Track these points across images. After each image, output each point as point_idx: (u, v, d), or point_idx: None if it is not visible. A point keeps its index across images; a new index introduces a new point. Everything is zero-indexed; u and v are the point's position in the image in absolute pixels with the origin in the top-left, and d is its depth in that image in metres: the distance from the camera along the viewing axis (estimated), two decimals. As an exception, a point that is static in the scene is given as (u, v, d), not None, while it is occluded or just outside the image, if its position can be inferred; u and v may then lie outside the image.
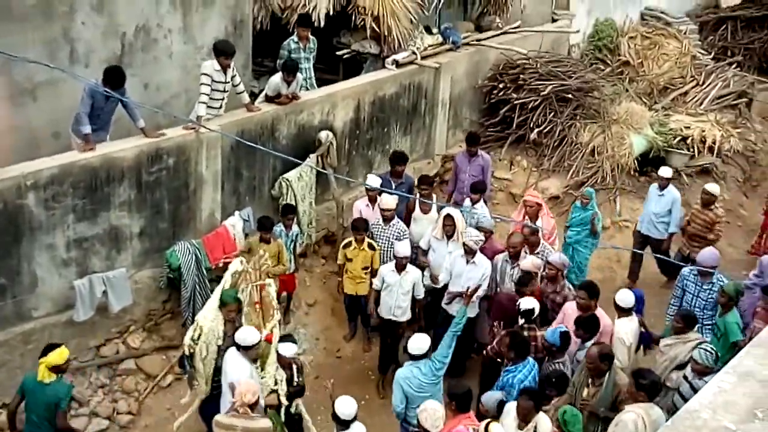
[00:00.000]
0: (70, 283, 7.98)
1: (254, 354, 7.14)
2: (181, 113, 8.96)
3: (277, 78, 9.65)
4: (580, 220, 10.22)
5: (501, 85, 12.64)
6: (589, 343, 7.43)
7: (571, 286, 8.63)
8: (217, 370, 7.35)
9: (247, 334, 7.08)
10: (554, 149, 12.53)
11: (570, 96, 12.76)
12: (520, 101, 12.49)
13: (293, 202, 9.73)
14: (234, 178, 9.33)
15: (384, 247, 9.39)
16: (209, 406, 7.43)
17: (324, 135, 10.09)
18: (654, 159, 12.91)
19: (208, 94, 8.79)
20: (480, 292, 8.50)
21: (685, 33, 15.48)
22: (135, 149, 8.27)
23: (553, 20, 14.46)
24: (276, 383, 7.29)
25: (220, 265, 8.83)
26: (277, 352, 7.31)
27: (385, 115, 11.05)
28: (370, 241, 9.31)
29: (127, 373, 8.52)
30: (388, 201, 9.32)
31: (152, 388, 8.55)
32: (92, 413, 8.10)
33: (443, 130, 12.15)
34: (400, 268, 8.77)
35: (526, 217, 9.52)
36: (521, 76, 12.62)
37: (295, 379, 7.41)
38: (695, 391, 6.53)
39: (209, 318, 7.39)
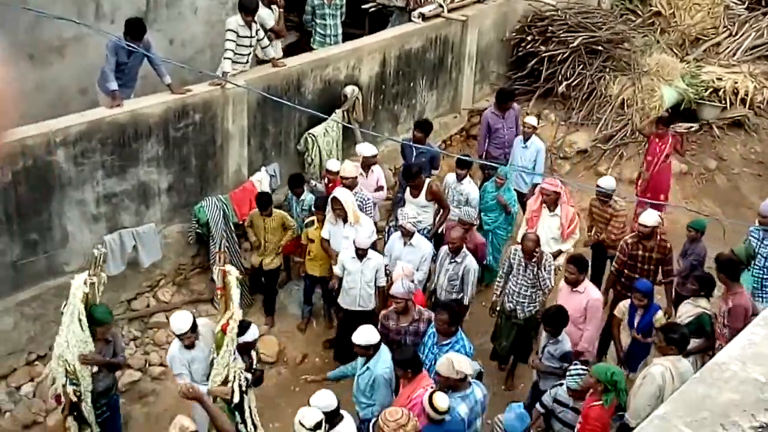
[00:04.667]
0: (100, 238, 8.07)
1: (189, 341, 6.60)
2: (207, 69, 8.94)
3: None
4: (495, 201, 9.52)
5: (529, 38, 12.45)
6: (562, 336, 7.35)
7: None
8: (102, 393, 6.77)
9: (177, 322, 6.59)
10: (583, 102, 12.36)
11: (599, 48, 12.53)
12: (549, 54, 12.30)
13: (318, 158, 9.73)
14: (260, 133, 9.33)
15: None
16: None
17: (350, 90, 10.04)
18: (685, 112, 12.69)
19: (233, 50, 8.75)
20: (420, 275, 8.15)
21: (718, -19, 15.08)
22: (162, 105, 8.29)
23: (583, -30, 14.16)
24: (230, 376, 6.69)
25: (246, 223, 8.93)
26: (238, 342, 6.73)
27: (411, 70, 10.95)
28: None
29: (158, 326, 8.67)
30: (348, 168, 8.85)
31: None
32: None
33: (470, 84, 12.02)
34: (360, 255, 8.16)
35: (543, 206, 8.96)
36: (550, 27, 12.42)
37: (255, 366, 7.07)
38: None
39: (77, 352, 6.43)
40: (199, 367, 6.77)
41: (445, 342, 6.94)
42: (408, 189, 9.18)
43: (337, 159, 9.95)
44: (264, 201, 8.68)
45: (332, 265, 8.70)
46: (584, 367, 6.64)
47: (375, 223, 9.05)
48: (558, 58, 12.33)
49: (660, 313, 7.67)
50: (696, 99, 12.71)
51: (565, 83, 12.27)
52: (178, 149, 8.52)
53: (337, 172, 8.99)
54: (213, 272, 7.22)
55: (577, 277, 7.66)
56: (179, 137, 8.49)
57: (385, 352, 6.96)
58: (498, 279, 8.54)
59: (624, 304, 7.87)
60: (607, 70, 12.55)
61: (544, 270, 8.01)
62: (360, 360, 7.05)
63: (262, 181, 9.29)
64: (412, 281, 7.66)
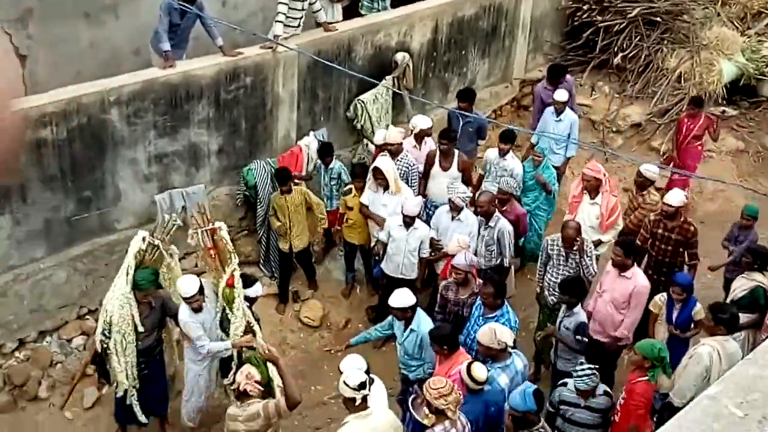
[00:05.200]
0: (151, 197, 8.20)
1: (196, 304, 6.69)
2: (259, 32, 8.94)
3: None
4: (534, 181, 9.23)
5: (585, 7, 12.16)
6: (577, 309, 7.20)
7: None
8: (143, 352, 6.88)
9: (185, 285, 6.62)
10: (638, 75, 12.06)
11: (658, 19, 12.18)
12: (605, 24, 12.02)
13: (368, 124, 9.70)
14: (310, 98, 9.33)
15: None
16: (123, 405, 7.05)
17: (400, 56, 9.95)
18: (744, 87, 12.32)
19: (285, 13, 8.73)
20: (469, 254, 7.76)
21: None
22: (214, 67, 8.33)
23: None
24: (249, 324, 6.91)
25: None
26: (245, 296, 6.92)
27: (462, 37, 10.80)
28: None
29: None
30: (393, 134, 8.85)
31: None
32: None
33: (523, 53, 11.83)
34: (407, 223, 8.18)
35: (585, 192, 8.57)
36: (607, -3, 12.12)
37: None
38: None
39: (117, 305, 6.60)
40: (209, 328, 6.94)
41: (490, 315, 6.93)
42: (438, 161, 8.99)
43: (387, 126, 9.92)
44: (283, 176, 8.55)
45: (371, 231, 8.72)
46: (591, 366, 6.39)
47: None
48: (614, 29, 12.04)
49: (699, 307, 7.38)
50: (756, 74, 12.32)
51: (620, 55, 11.99)
52: (228, 111, 8.57)
53: (382, 145, 8.96)
54: (194, 236, 7.03)
55: (623, 260, 7.40)
56: (230, 100, 8.53)
57: (422, 312, 7.01)
58: (538, 269, 8.23)
59: (660, 298, 7.59)
60: (665, 42, 12.22)
61: (587, 256, 7.77)
62: (397, 324, 7.09)
63: (309, 145, 9.30)
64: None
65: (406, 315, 6.92)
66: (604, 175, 8.53)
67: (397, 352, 7.27)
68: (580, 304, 7.27)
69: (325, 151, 9.01)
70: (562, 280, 7.43)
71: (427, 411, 5.44)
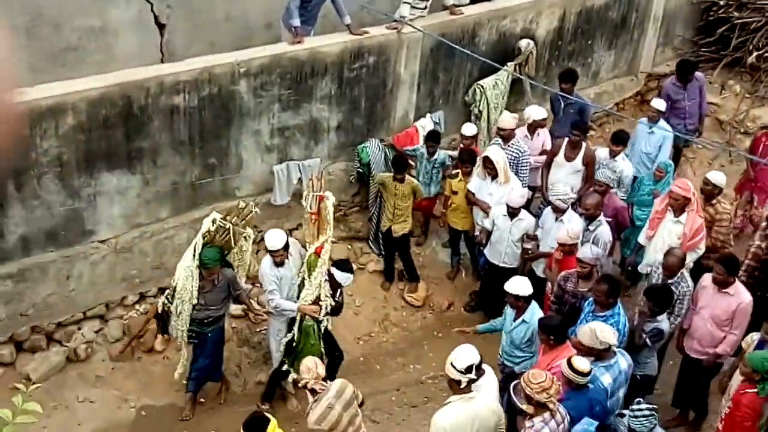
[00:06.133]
0: (270, 168, 8.47)
1: (280, 258, 7.03)
2: (385, 11, 9.04)
3: None
4: (651, 196, 8.68)
5: (722, 2, 11.67)
6: (661, 317, 6.80)
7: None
8: (197, 322, 7.12)
9: (272, 239, 7.01)
10: (773, 75, 11.51)
11: (800, 18, 11.57)
12: (742, 21, 11.51)
13: (486, 110, 9.67)
14: (430, 80, 9.38)
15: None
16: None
17: (525, 43, 9.85)
18: None
19: (413, -6, 8.79)
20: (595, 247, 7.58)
21: None
22: (339, 45, 8.48)
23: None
24: (321, 296, 7.09)
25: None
26: (330, 273, 7.07)
27: (590, 27, 10.57)
28: None
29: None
30: (506, 119, 8.81)
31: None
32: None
33: (652, 46, 11.48)
34: (512, 213, 8.18)
35: (669, 208, 8.04)
36: (746, -8, 11.57)
37: (337, 297, 7.23)
38: None
39: (183, 275, 6.92)
40: (286, 285, 7.20)
41: (601, 314, 6.80)
42: (564, 151, 8.87)
43: (503, 112, 9.86)
44: (401, 163, 8.59)
45: (475, 218, 8.72)
46: (650, 407, 5.86)
47: (528, 186, 8.97)
48: (751, 26, 11.52)
49: None
50: None
51: (755, 53, 11.46)
52: (350, 89, 8.72)
53: (472, 136, 8.92)
54: (306, 198, 7.38)
55: (725, 278, 7.03)
56: (352, 78, 8.68)
57: (536, 305, 6.97)
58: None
59: (752, 338, 6.94)
60: (806, 43, 11.59)
61: (683, 283, 7.26)
62: (509, 314, 7.08)
63: (425, 127, 9.36)
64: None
65: (518, 303, 6.91)
66: (693, 194, 7.99)
67: (501, 342, 7.26)
68: (665, 313, 6.93)
69: (432, 138, 8.99)
70: (649, 287, 7.10)
71: (527, 404, 5.46)
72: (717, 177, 8.35)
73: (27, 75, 7.24)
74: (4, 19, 7.24)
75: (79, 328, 7.83)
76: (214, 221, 6.91)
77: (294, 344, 7.29)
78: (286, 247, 7.06)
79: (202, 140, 7.85)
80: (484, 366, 5.67)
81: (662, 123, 9.44)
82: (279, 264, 7.11)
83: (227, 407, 7.71)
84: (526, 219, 8.24)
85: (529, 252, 8.18)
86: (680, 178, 8.58)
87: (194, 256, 6.87)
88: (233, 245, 7.15)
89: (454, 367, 5.46)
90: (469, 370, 5.44)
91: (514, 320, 7.02)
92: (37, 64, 7.65)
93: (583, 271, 7.24)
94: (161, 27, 8.52)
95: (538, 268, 8.21)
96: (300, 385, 5.95)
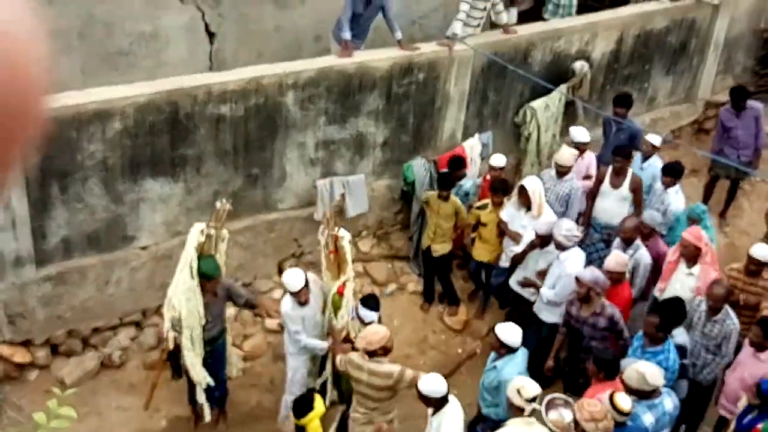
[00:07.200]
0: (313, 181, 8.37)
1: (303, 298, 6.73)
2: (438, 29, 8.92)
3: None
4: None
5: (786, 31, 11.30)
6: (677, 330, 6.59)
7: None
8: (208, 341, 6.87)
9: (291, 279, 6.68)
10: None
11: None
12: (807, 50, 11.11)
13: (536, 133, 9.45)
14: (479, 100, 9.20)
15: (550, 201, 8.28)
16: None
17: (579, 65, 9.62)
18: None
19: (467, 12, 8.64)
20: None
21: None
22: (389, 60, 8.37)
23: None
24: (351, 333, 6.94)
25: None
26: (357, 312, 6.91)
27: (648, 51, 10.30)
28: None
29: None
30: (565, 156, 8.36)
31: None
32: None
33: (711, 73, 11.14)
34: (542, 243, 7.74)
35: (681, 259, 7.60)
36: (813, 22, 11.19)
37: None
38: None
39: (183, 299, 6.54)
40: (309, 323, 6.94)
41: (650, 349, 6.49)
42: (609, 178, 8.52)
43: (554, 135, 9.65)
44: (447, 181, 8.33)
45: (504, 248, 8.36)
46: None
47: (579, 213, 8.68)
48: (817, 57, 11.11)
49: None
50: None
51: (820, 85, 11.05)
52: (398, 105, 8.60)
53: (500, 168, 8.61)
54: (322, 235, 7.05)
55: (762, 341, 6.60)
56: (401, 94, 8.55)
57: (521, 356, 6.52)
58: None
59: None
60: None
61: (729, 320, 6.89)
62: (491, 355, 6.78)
63: (473, 147, 9.19)
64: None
65: (500, 349, 6.53)
66: (706, 244, 7.49)
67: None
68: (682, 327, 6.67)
69: (456, 165, 8.63)
70: (655, 302, 6.87)
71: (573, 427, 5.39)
72: (762, 251, 7.47)
73: (79, 77, 7.28)
74: (62, 19, 7.29)
75: (115, 334, 7.81)
76: (202, 231, 6.68)
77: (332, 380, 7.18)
78: (307, 284, 6.80)
79: (246, 151, 7.79)
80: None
81: (655, 159, 8.96)
82: (302, 303, 6.81)
83: (258, 423, 7.58)
84: (553, 252, 7.72)
85: (524, 279, 7.99)
86: (693, 226, 7.96)
87: (192, 274, 6.58)
88: (214, 250, 6.89)
89: (520, 395, 5.64)
90: (533, 399, 5.67)
91: (491, 361, 6.70)
92: (89, 67, 7.69)
93: (580, 292, 6.92)
94: (211, 35, 8.53)
95: (524, 290, 8.04)
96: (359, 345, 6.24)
